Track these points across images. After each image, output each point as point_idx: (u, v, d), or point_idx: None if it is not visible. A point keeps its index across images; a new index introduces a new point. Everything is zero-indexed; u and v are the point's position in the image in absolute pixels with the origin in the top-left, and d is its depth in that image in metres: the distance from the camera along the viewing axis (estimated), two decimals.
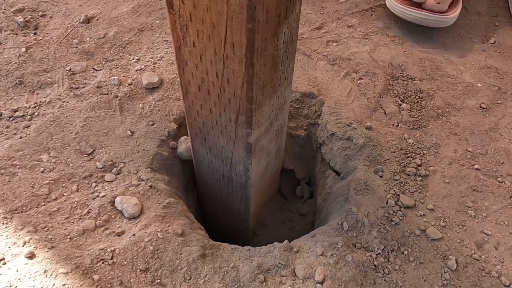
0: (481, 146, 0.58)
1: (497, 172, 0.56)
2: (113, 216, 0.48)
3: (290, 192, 0.72)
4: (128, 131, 0.58)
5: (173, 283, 0.43)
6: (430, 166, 0.56)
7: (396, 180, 0.54)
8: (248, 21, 0.34)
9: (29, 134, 0.56)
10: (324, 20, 0.78)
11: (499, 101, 0.65)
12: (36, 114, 0.59)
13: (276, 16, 0.37)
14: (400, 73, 0.68)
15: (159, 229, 0.46)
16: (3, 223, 0.46)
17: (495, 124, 0.61)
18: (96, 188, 0.51)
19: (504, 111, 0.63)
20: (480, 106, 0.64)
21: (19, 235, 0.45)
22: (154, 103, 0.62)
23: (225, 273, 0.44)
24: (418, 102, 0.64)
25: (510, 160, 0.57)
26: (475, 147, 0.58)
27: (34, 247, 0.44)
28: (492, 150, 0.58)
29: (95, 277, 0.42)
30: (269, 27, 0.37)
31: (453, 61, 0.71)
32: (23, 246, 0.44)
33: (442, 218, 0.50)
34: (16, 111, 0.59)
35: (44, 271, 0.42)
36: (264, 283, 0.43)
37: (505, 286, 0.45)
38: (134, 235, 0.46)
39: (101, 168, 0.53)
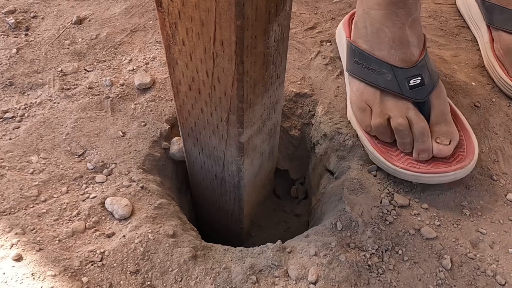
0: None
1: (491, 171, 0.55)
2: (103, 217, 0.47)
3: (284, 192, 0.72)
4: (120, 132, 0.57)
5: (164, 284, 0.42)
6: None
7: (390, 179, 0.54)
8: (237, 18, 0.34)
9: (18, 136, 0.55)
10: (318, 20, 0.78)
11: (493, 100, 0.65)
12: (26, 115, 0.58)
13: (266, 14, 0.37)
14: None
15: (150, 230, 0.46)
16: None
17: (489, 122, 0.61)
18: (86, 190, 0.50)
19: (498, 109, 0.63)
20: (474, 105, 0.64)
21: (6, 237, 0.44)
22: (146, 103, 0.61)
23: (217, 274, 0.43)
24: None
25: (505, 158, 0.57)
26: None
27: (22, 249, 0.43)
28: (487, 148, 0.58)
29: (84, 279, 0.41)
30: (259, 24, 0.37)
31: (447, 60, 0.71)
32: (10, 248, 0.43)
33: (436, 217, 0.50)
34: (6, 113, 0.58)
35: (32, 274, 0.41)
36: (256, 284, 0.43)
37: (500, 284, 0.44)
38: (124, 236, 0.45)
39: (92, 169, 0.52)
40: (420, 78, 0.54)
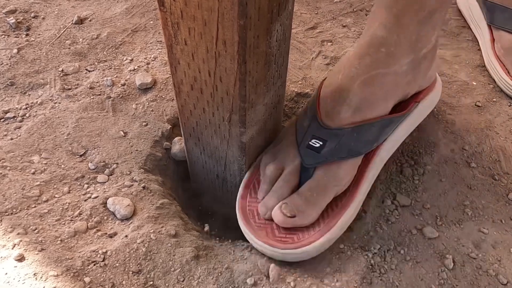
0: (477, 145, 0.58)
1: (493, 170, 0.55)
2: (105, 217, 0.47)
3: None
4: (121, 132, 0.57)
5: (166, 284, 0.42)
6: (426, 165, 0.55)
7: (392, 179, 0.54)
8: (239, 18, 0.34)
9: (20, 136, 0.55)
10: (319, 20, 0.78)
11: (494, 99, 0.65)
12: (27, 115, 0.58)
13: (269, 13, 0.37)
14: None
15: (152, 230, 0.45)
16: None
17: (491, 122, 0.61)
18: (88, 190, 0.50)
19: (500, 109, 0.63)
20: (475, 105, 0.64)
21: (8, 238, 0.44)
22: (147, 103, 0.61)
23: (219, 274, 0.43)
24: None
25: (506, 158, 0.57)
26: (471, 145, 0.58)
27: (24, 249, 0.43)
28: (488, 148, 0.58)
29: (86, 279, 0.41)
30: (262, 24, 0.37)
31: (447, 60, 0.71)
32: (12, 248, 0.43)
33: (438, 217, 0.50)
34: (7, 113, 0.58)
35: (34, 274, 0.41)
36: (258, 283, 0.43)
37: (502, 284, 0.44)
38: (126, 236, 0.45)
39: (93, 169, 0.52)
40: (321, 143, 0.44)
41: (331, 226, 0.43)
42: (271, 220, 0.44)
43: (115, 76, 0.65)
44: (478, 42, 0.74)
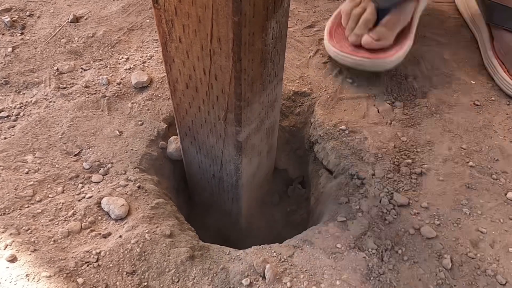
0: (475, 144, 0.58)
1: (491, 169, 0.55)
2: (99, 217, 0.47)
3: (283, 192, 0.71)
4: (116, 131, 0.56)
5: (161, 285, 0.41)
6: (424, 164, 0.55)
7: (389, 178, 0.53)
8: (234, 14, 0.33)
9: (13, 135, 0.55)
10: (317, 18, 0.77)
11: (492, 98, 0.64)
12: (21, 114, 0.58)
13: (264, 10, 0.36)
14: (394, 71, 0.68)
15: (146, 231, 0.45)
16: None
17: (489, 121, 0.61)
18: (82, 189, 0.49)
19: (498, 108, 0.63)
20: (474, 103, 0.63)
21: (0, 238, 0.44)
22: (143, 102, 0.61)
23: (215, 274, 0.43)
24: (411, 99, 0.63)
25: (505, 157, 0.56)
26: (469, 144, 0.58)
27: (16, 250, 0.43)
28: (487, 147, 0.57)
29: (80, 280, 0.41)
30: (257, 21, 0.36)
31: (446, 58, 0.70)
32: (4, 249, 0.43)
33: (436, 216, 0.49)
34: (1, 112, 0.58)
35: (26, 275, 0.41)
36: (255, 284, 0.42)
37: (500, 284, 0.44)
38: (120, 236, 0.44)
39: (88, 168, 0.52)
40: None
41: (403, 47, 0.63)
42: (359, 46, 0.62)
43: (110, 75, 0.64)
44: (476, 41, 0.73)
